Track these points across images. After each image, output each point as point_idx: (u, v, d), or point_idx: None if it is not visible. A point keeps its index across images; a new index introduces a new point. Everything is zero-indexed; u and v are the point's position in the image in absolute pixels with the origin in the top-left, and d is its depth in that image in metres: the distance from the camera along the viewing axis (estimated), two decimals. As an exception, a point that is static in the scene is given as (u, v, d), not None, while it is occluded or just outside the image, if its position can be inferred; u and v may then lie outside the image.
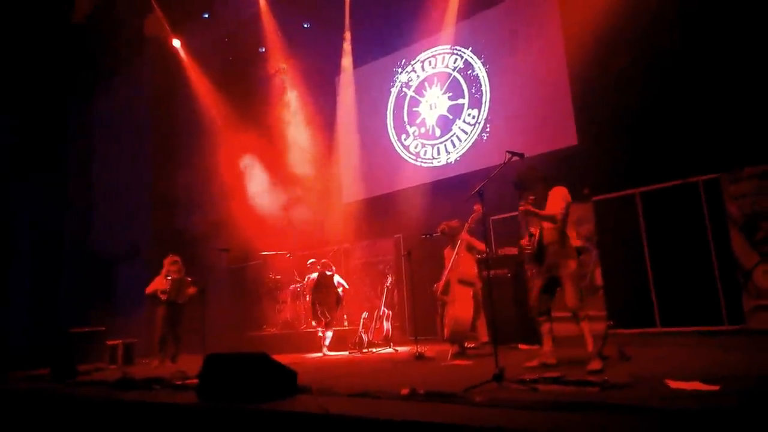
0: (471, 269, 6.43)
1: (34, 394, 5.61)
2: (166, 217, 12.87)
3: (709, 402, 2.85)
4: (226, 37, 12.84)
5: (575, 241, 4.76)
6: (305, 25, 12.05)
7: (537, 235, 4.73)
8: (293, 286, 10.53)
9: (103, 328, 9.70)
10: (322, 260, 9.01)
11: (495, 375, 3.72)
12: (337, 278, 8.80)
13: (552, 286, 4.73)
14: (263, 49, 12.22)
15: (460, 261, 6.43)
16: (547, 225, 4.65)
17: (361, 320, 8.39)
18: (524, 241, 4.93)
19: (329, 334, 8.37)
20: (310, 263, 9.30)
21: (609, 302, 7.69)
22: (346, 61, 11.87)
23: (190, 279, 8.42)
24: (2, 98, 11.71)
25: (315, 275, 8.81)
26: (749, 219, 6.81)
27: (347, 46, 11.75)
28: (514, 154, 4.55)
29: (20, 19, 11.09)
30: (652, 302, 7.46)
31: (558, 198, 4.65)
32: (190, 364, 5.90)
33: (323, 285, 8.68)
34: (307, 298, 9.13)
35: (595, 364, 4.22)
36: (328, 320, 8.42)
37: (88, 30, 11.64)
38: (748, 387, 3.34)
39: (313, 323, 8.75)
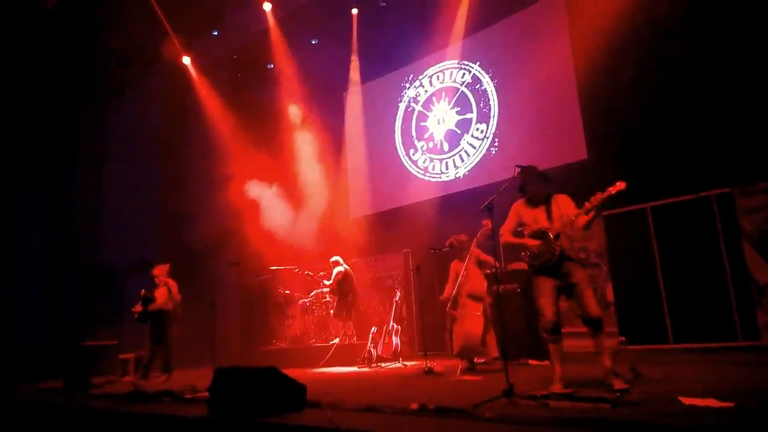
0: (481, 284, 6.41)
1: (47, 406, 5.63)
2: (175, 230, 12.98)
3: (723, 419, 2.82)
4: (234, 54, 12.99)
5: None
6: (313, 42, 12.18)
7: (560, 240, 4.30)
8: (302, 300, 10.53)
9: (115, 342, 9.76)
10: (336, 257, 9.48)
11: (505, 390, 3.70)
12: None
13: (559, 297, 4.40)
14: (271, 66, 12.35)
15: (469, 276, 6.42)
16: (563, 230, 4.31)
17: (370, 335, 8.36)
18: (539, 246, 4.37)
19: (351, 324, 9.13)
20: (333, 260, 9.51)
21: (620, 318, 7.63)
22: (354, 77, 11.97)
23: (147, 293, 8.12)
24: (14, 110, 11.88)
25: (343, 268, 9.30)
26: (763, 234, 6.74)
27: (355, 61, 11.85)
28: (523, 168, 4.56)
29: (33, 32, 11.28)
30: (665, 318, 7.38)
31: (573, 204, 4.39)
32: (201, 378, 5.91)
33: (351, 277, 9.30)
34: (326, 288, 9.69)
35: (620, 383, 3.95)
36: (356, 310, 9.31)
37: (99, 44, 11.81)
38: (763, 403, 3.29)
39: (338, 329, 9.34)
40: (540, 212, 4.49)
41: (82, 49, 12.01)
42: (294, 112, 11.94)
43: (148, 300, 8.01)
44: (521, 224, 4.62)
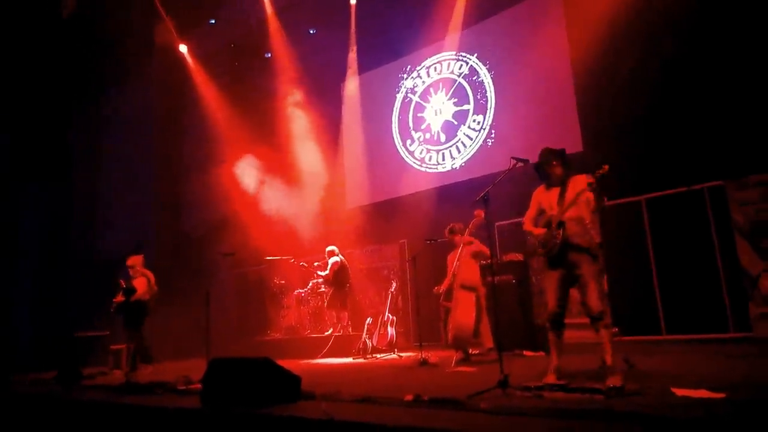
0: (473, 274, 6.42)
1: (39, 397, 5.62)
2: (171, 221, 12.94)
3: (715, 409, 2.84)
4: (232, 43, 12.90)
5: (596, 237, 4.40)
6: (311, 31, 12.10)
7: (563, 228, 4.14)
8: (298, 291, 10.53)
9: (107, 333, 9.72)
10: (332, 247, 9.49)
11: (500, 381, 3.71)
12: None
13: (567, 287, 4.23)
14: (269, 55, 12.28)
15: (461, 266, 6.42)
16: (571, 215, 4.15)
17: (366, 326, 8.37)
18: (544, 234, 4.27)
19: (346, 315, 9.23)
20: (328, 250, 9.48)
21: (614, 309, 7.63)
22: (352, 67, 11.91)
23: (127, 284, 7.85)
24: (9, 101, 11.78)
25: (339, 259, 9.31)
26: (755, 226, 6.77)
27: (353, 51, 11.79)
28: (518, 160, 4.53)
29: (27, 23, 11.18)
30: (658, 309, 7.41)
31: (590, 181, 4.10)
32: (195, 369, 5.91)
33: (346, 268, 9.37)
34: (320, 281, 9.73)
35: (616, 380, 3.70)
36: (351, 301, 9.45)
37: (95, 35, 11.72)
38: (754, 395, 3.31)
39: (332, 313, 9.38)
40: (553, 196, 4.34)
41: (77, 38, 11.90)
42: (293, 99, 11.87)
43: (131, 291, 7.77)
44: (541, 211, 4.45)
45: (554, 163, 4.39)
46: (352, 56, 11.81)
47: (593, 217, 4.29)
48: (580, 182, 4.21)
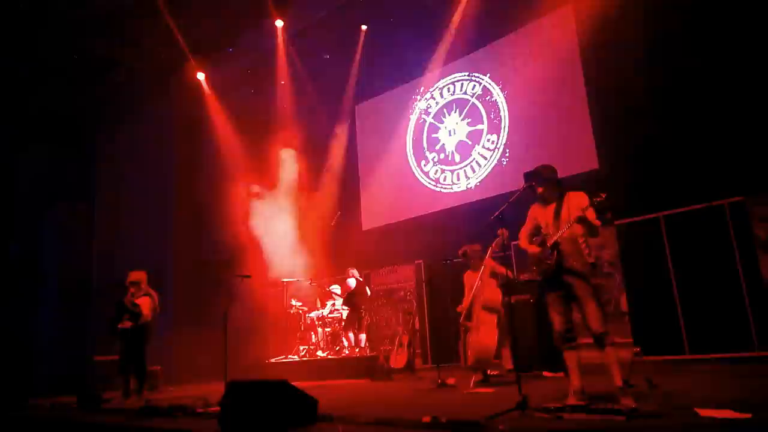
0: (496, 295, 6.35)
1: (60, 421, 5.66)
2: (189, 243, 13.06)
3: (741, 431, 2.77)
4: (248, 70, 13.12)
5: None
6: (326, 56, 12.28)
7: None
8: (314, 313, 10.52)
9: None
10: (352, 269, 9.50)
11: (518, 403, 3.65)
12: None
13: (569, 306, 4.16)
14: (283, 82, 12.47)
15: (484, 287, 6.36)
16: (565, 235, 4.09)
17: (382, 347, 8.32)
18: (539, 254, 4.24)
19: (363, 336, 9.11)
20: (350, 272, 9.53)
21: (635, 328, 7.54)
22: (366, 90, 12.06)
23: (138, 302, 7.26)
24: (32, 129, 12.07)
25: (354, 281, 9.33)
26: (778, 242, 6.66)
27: (367, 75, 11.93)
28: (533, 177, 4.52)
29: (49, 50, 11.47)
30: (680, 328, 7.27)
31: (585, 201, 4.04)
32: (213, 391, 5.91)
33: (363, 289, 9.37)
34: (338, 304, 9.72)
35: (629, 401, 3.64)
36: (367, 322, 9.35)
37: (116, 62, 12.00)
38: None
39: (350, 334, 9.31)
40: (549, 213, 4.29)
41: (99, 65, 12.19)
42: (308, 122, 12.05)
43: (137, 314, 7.18)
44: (537, 227, 4.41)
45: (546, 182, 4.35)
46: (366, 79, 11.96)
47: (602, 241, 4.23)
48: (575, 201, 4.16)
